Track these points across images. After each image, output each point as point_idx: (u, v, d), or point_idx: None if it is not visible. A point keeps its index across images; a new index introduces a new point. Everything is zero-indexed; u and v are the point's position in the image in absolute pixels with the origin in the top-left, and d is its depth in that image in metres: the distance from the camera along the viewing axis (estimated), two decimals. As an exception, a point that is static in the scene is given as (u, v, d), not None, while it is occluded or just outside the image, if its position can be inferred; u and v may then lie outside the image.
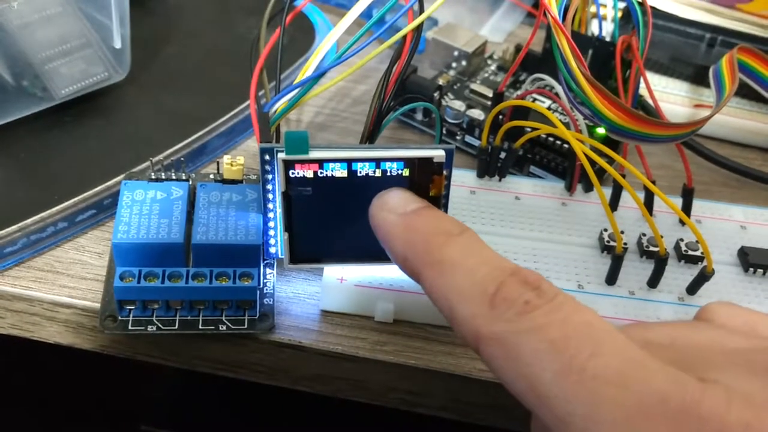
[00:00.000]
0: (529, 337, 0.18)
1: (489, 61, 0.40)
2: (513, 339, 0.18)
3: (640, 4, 0.34)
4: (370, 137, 0.29)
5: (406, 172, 0.24)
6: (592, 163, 0.27)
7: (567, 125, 0.32)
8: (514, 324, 0.18)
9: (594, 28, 0.37)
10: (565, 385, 0.17)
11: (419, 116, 0.38)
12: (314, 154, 0.24)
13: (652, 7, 0.39)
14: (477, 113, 0.36)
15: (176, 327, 0.26)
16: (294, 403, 0.44)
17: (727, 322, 0.21)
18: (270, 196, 0.26)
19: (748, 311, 0.22)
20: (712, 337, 0.20)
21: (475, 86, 0.37)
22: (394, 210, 0.22)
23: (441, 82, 0.38)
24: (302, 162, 0.24)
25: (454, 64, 0.39)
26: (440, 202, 0.25)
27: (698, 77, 0.42)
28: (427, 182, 0.25)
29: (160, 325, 0.26)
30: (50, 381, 0.52)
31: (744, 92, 0.40)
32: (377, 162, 0.24)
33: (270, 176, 0.25)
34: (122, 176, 0.30)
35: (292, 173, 0.24)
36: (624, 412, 0.16)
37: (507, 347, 0.18)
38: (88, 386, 0.52)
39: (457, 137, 0.37)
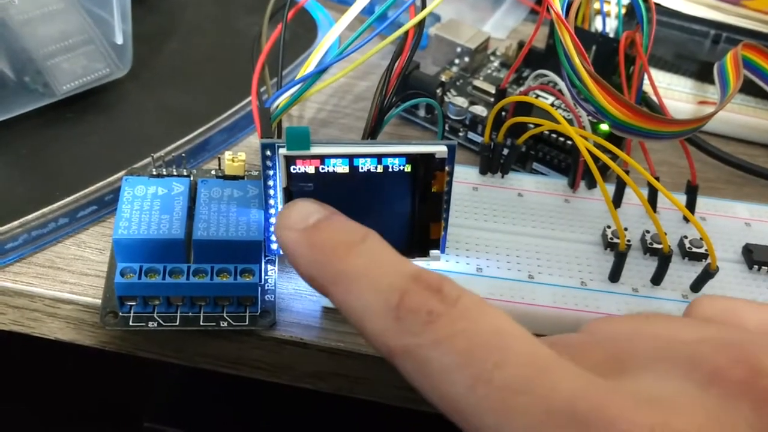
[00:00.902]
0: (436, 351, 0.18)
1: (492, 58, 0.40)
2: (421, 353, 0.18)
3: (644, 0, 0.33)
4: (371, 133, 0.29)
5: (408, 168, 0.24)
6: (596, 159, 0.27)
7: (570, 121, 0.31)
8: (420, 337, 0.18)
9: (597, 25, 0.37)
10: (474, 397, 0.17)
11: (421, 112, 0.38)
12: (315, 150, 0.24)
13: (656, 4, 0.39)
14: (480, 110, 0.35)
15: (177, 323, 0.26)
16: (296, 399, 0.44)
17: (707, 313, 0.21)
18: (271, 191, 0.26)
19: (733, 300, 0.22)
20: (667, 331, 0.20)
21: (477, 82, 0.37)
22: (294, 226, 0.22)
23: (443, 78, 0.37)
24: (303, 158, 0.24)
25: (456, 61, 0.39)
26: (442, 198, 0.25)
27: (702, 74, 0.41)
28: (429, 178, 0.25)
29: (161, 322, 0.26)
30: (52, 378, 0.52)
31: (748, 89, 0.40)
32: (379, 158, 0.24)
33: (271, 172, 0.25)
34: (123, 172, 0.30)
35: (294, 169, 0.24)
36: (532, 419, 0.16)
37: (417, 362, 0.18)
38: (91, 383, 0.52)
39: (460, 134, 0.37)
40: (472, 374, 0.17)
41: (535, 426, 0.16)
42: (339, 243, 0.21)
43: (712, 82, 0.36)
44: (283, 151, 0.24)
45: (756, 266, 0.30)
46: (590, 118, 0.32)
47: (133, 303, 0.26)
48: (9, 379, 0.52)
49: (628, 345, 0.19)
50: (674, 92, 0.41)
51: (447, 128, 0.37)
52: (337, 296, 0.20)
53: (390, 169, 0.24)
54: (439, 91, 0.36)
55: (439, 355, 0.17)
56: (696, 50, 0.42)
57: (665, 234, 0.27)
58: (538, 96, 0.35)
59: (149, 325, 0.26)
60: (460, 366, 0.17)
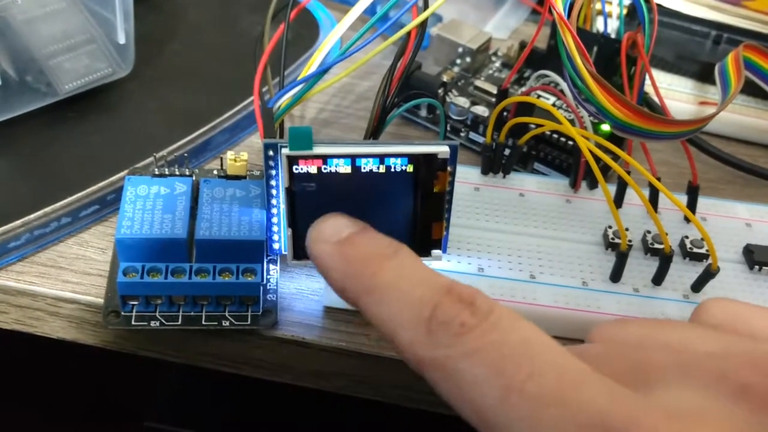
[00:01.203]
0: (467, 361, 0.18)
1: (493, 58, 0.40)
2: (452, 364, 0.18)
3: (646, 0, 0.33)
4: (374, 133, 0.29)
5: (410, 168, 0.24)
6: (597, 159, 0.27)
7: (572, 122, 0.31)
8: (451, 349, 0.18)
9: (599, 25, 0.37)
10: (505, 408, 0.17)
11: (423, 113, 0.38)
12: (318, 150, 0.24)
13: (658, 4, 0.39)
14: (481, 110, 0.35)
15: (179, 323, 0.26)
16: (297, 399, 0.44)
17: (717, 318, 0.21)
18: (273, 191, 0.26)
19: (742, 305, 0.22)
20: (681, 339, 0.20)
21: (479, 83, 0.37)
22: (328, 239, 0.22)
23: (445, 78, 0.38)
24: (306, 158, 0.24)
25: (458, 61, 0.39)
26: (444, 198, 0.25)
27: (704, 74, 0.41)
28: (431, 178, 0.25)
29: (163, 321, 0.26)
30: (54, 377, 0.52)
31: (749, 89, 0.40)
32: (381, 158, 0.24)
33: (274, 172, 0.25)
34: (125, 172, 0.30)
35: (296, 169, 0.24)
36: (562, 431, 0.16)
37: (447, 373, 0.18)
38: (93, 383, 0.52)
39: (461, 134, 0.37)
40: (504, 385, 0.17)
41: None
42: (372, 256, 0.21)
43: (713, 82, 0.36)
44: (285, 151, 0.24)
45: (757, 267, 0.30)
46: (592, 118, 0.32)
47: (136, 302, 0.26)
48: (10, 378, 0.52)
49: (649, 356, 0.19)
50: (675, 93, 0.41)
51: (449, 128, 0.37)
52: (369, 307, 0.20)
53: (392, 169, 0.24)
54: (440, 91, 0.36)
55: (471, 367, 0.18)
56: (697, 51, 0.42)
57: (666, 234, 0.28)
58: (539, 96, 0.35)
59: (151, 325, 0.26)
60: (491, 377, 0.17)
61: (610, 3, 0.40)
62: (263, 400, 0.44)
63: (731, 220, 0.32)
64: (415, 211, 0.25)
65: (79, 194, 0.30)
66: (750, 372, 0.17)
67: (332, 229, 0.22)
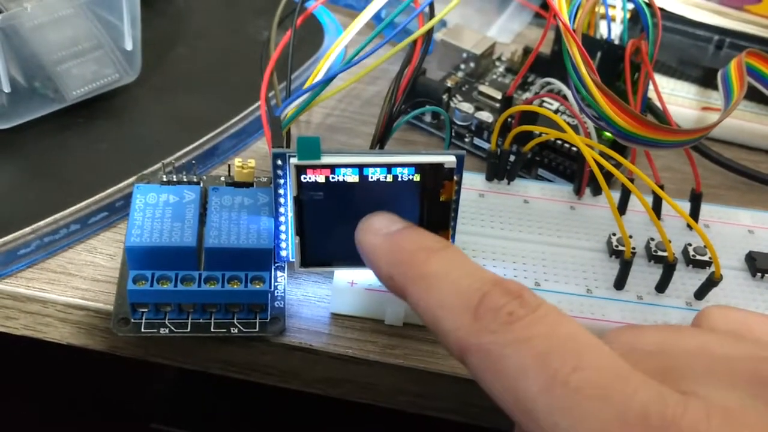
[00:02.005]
0: (513, 349, 0.18)
1: (497, 63, 0.40)
2: (498, 351, 0.18)
3: (648, 5, 0.34)
4: (380, 140, 0.29)
5: (416, 178, 0.25)
6: (601, 167, 0.28)
7: (575, 128, 0.32)
8: (498, 335, 0.18)
9: (603, 30, 0.37)
10: (549, 398, 0.17)
11: (428, 118, 0.38)
12: (326, 160, 0.24)
13: (660, 9, 0.39)
14: (485, 115, 0.36)
15: (188, 330, 0.26)
16: (304, 404, 0.44)
17: (720, 326, 0.22)
18: (281, 200, 0.26)
19: (743, 312, 0.22)
20: (700, 344, 0.20)
21: (483, 88, 0.37)
22: (378, 232, 0.23)
23: (449, 83, 0.38)
24: (314, 167, 0.24)
25: (462, 66, 0.39)
26: (450, 207, 0.25)
27: (706, 79, 0.42)
28: (437, 187, 0.25)
29: (172, 328, 0.26)
30: (61, 379, 0.52)
31: (752, 95, 0.40)
32: (388, 167, 0.24)
33: (282, 181, 0.26)
34: (134, 178, 0.30)
35: (304, 178, 0.24)
36: (606, 425, 0.16)
37: (492, 359, 0.18)
38: (99, 385, 0.52)
39: (466, 139, 0.37)
40: (549, 376, 0.17)
41: (606, 431, 0.16)
42: (421, 247, 0.22)
43: (715, 87, 0.36)
44: (294, 160, 0.24)
45: (759, 274, 0.30)
46: (595, 125, 0.32)
47: (145, 309, 0.26)
48: (17, 380, 0.52)
49: (675, 360, 0.19)
50: (678, 98, 0.41)
51: (453, 134, 0.37)
52: (416, 295, 0.21)
53: (399, 179, 0.24)
54: (445, 96, 0.36)
55: (516, 355, 0.18)
56: (699, 56, 0.42)
57: (669, 242, 0.28)
58: (543, 102, 0.35)
59: (161, 332, 0.26)
60: (536, 367, 0.17)
61: (614, 7, 0.40)
62: (271, 404, 0.45)
63: (734, 227, 0.32)
64: (422, 219, 0.25)
65: (88, 201, 0.30)
66: None
67: (382, 223, 0.23)
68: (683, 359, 0.19)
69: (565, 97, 0.32)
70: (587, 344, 0.18)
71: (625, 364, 0.18)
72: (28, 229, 0.28)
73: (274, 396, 0.44)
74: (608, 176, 0.34)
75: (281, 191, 0.26)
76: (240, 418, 0.44)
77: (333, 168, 0.24)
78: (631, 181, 0.29)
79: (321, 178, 0.24)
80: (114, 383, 0.51)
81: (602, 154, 0.28)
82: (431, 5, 0.30)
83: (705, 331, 0.22)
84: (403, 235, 0.23)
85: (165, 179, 0.29)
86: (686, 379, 0.18)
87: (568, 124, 0.30)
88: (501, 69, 0.40)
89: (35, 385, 0.53)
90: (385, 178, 0.24)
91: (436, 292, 0.20)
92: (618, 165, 0.29)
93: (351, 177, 0.24)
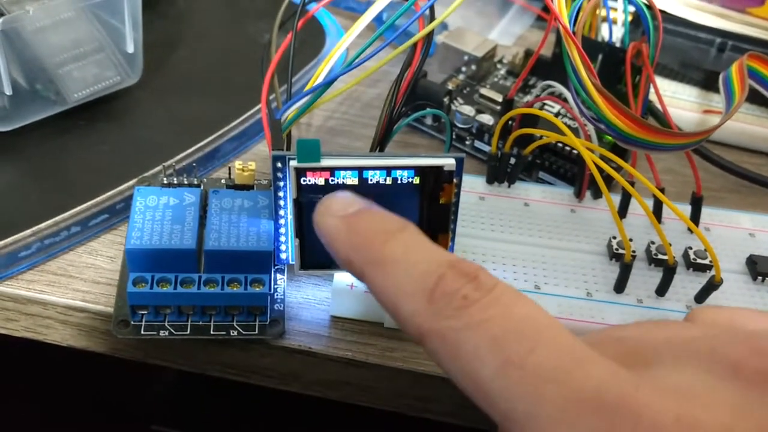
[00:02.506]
0: (468, 333, 0.18)
1: (498, 66, 0.40)
2: (453, 336, 0.18)
3: (649, 7, 0.34)
4: (380, 143, 0.29)
5: (416, 180, 0.25)
6: (601, 170, 0.28)
7: (576, 131, 0.32)
8: (453, 320, 0.18)
9: (604, 32, 0.37)
10: (505, 381, 0.17)
11: (429, 121, 0.38)
12: (326, 162, 0.24)
13: (662, 11, 0.39)
14: (486, 118, 0.36)
15: (188, 332, 0.26)
16: (303, 406, 0.44)
17: (705, 319, 0.22)
18: (281, 202, 0.26)
19: (729, 309, 0.22)
20: (673, 333, 0.20)
21: (484, 91, 0.37)
22: (335, 213, 0.22)
23: (450, 86, 0.38)
24: (314, 170, 0.24)
25: (463, 69, 0.39)
26: (450, 209, 0.26)
27: (708, 82, 0.41)
28: (437, 190, 0.25)
29: (172, 330, 0.26)
30: (61, 381, 0.52)
31: (753, 98, 0.40)
32: (388, 170, 0.24)
33: (282, 183, 0.26)
34: (134, 181, 0.30)
35: (304, 181, 0.24)
36: (561, 406, 0.16)
37: (448, 344, 0.18)
38: (100, 387, 0.52)
39: (467, 142, 0.37)
40: (504, 358, 0.17)
41: (562, 412, 0.16)
42: (379, 230, 0.21)
43: (717, 90, 0.36)
44: (294, 163, 0.24)
45: (760, 278, 0.30)
46: (596, 128, 0.32)
47: (145, 312, 0.26)
48: (18, 382, 0.52)
49: (645, 342, 0.19)
50: (679, 101, 0.41)
51: (454, 137, 0.37)
52: (373, 279, 0.21)
53: (399, 181, 0.24)
54: (445, 99, 0.36)
55: (471, 338, 0.18)
56: (701, 58, 0.42)
57: (670, 245, 0.28)
58: (544, 105, 0.35)
59: (160, 334, 0.26)
60: (491, 349, 0.17)
61: (615, 10, 0.40)
62: (271, 406, 0.45)
63: (735, 231, 0.32)
64: (421, 222, 0.25)
65: (89, 203, 0.30)
66: (740, 350, 0.18)
67: (340, 204, 0.22)
68: (652, 345, 0.19)
69: (566, 100, 0.32)
70: (543, 326, 0.18)
71: (582, 345, 0.17)
72: (28, 232, 0.28)
73: (273, 398, 0.44)
74: (609, 179, 0.34)
75: (281, 194, 0.26)
76: (239, 420, 0.44)
77: (333, 171, 0.24)
78: (632, 184, 0.29)
79: (321, 181, 0.24)
80: (114, 385, 0.51)
81: (603, 157, 0.28)
82: (432, 8, 0.30)
83: (686, 324, 0.22)
84: (360, 217, 0.22)
85: (165, 182, 0.29)
86: (650, 363, 0.18)
87: (569, 127, 0.30)
88: (502, 72, 0.40)
89: (36, 386, 0.53)
90: (385, 180, 0.24)
91: (393, 276, 0.20)
92: (618, 168, 0.29)
93: (350, 180, 0.24)
